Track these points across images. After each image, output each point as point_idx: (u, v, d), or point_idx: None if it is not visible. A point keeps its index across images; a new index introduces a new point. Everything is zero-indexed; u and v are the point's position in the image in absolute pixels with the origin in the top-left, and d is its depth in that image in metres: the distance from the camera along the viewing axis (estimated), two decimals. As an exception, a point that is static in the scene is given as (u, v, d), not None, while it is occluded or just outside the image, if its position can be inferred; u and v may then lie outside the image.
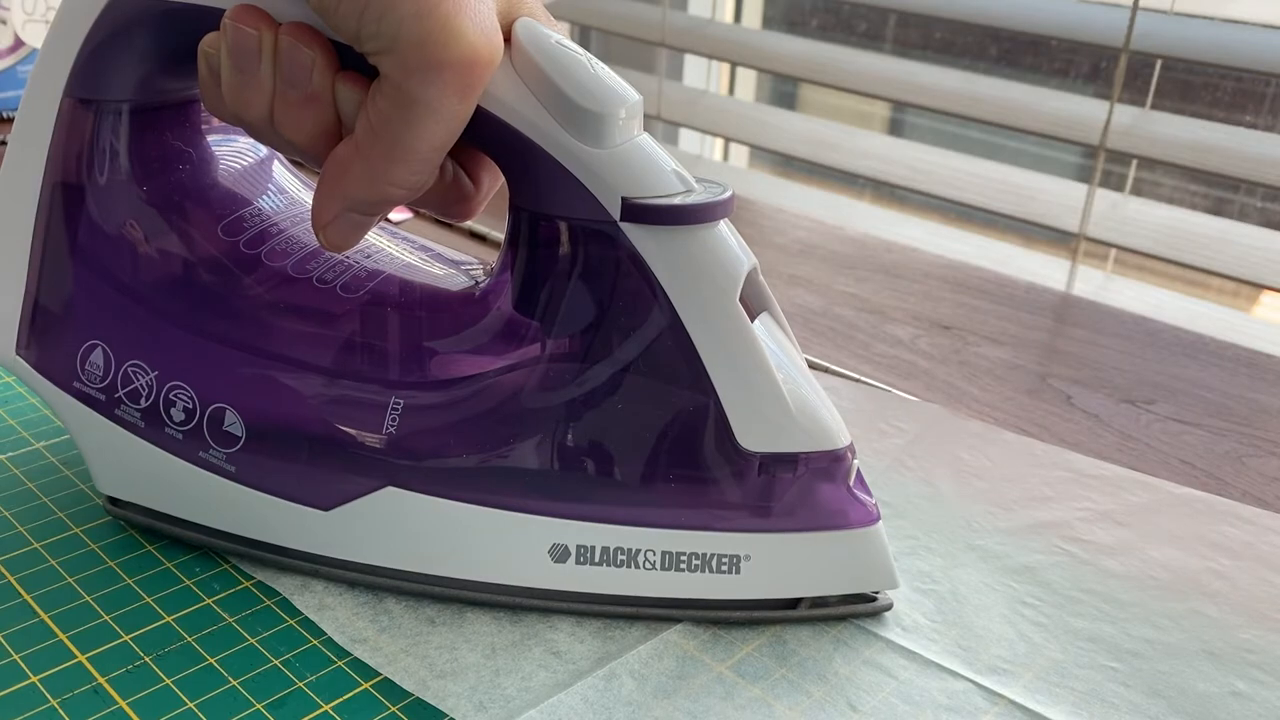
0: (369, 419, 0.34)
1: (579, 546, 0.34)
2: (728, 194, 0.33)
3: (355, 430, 0.34)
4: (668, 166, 0.32)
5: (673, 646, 0.34)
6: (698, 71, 1.01)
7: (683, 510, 0.34)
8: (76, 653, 0.33)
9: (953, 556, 0.39)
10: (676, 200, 0.32)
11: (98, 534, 0.38)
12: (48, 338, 0.37)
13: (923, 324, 0.58)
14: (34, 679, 0.32)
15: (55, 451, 0.42)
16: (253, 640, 0.34)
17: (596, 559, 0.34)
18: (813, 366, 0.52)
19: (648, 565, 0.34)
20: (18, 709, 0.31)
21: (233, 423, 0.35)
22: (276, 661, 0.33)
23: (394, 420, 0.34)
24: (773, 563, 0.34)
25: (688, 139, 1.02)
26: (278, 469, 0.35)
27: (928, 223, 0.83)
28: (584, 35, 1.04)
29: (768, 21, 1.01)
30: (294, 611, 0.35)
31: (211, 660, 0.33)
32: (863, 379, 0.51)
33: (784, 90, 1.06)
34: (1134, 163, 0.77)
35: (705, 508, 0.33)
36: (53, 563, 0.36)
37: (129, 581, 0.36)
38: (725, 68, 1.03)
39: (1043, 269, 0.73)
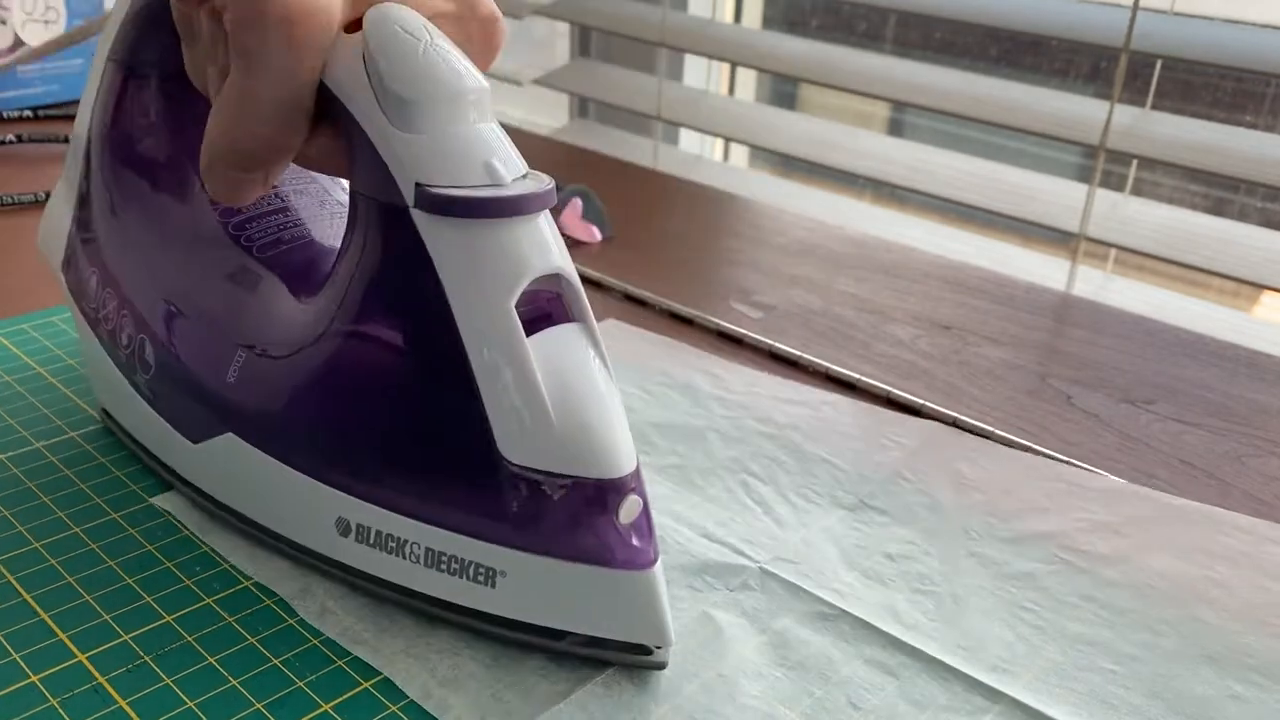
0: (219, 368, 0.37)
1: (358, 525, 0.34)
2: (528, 191, 0.32)
3: (210, 376, 0.37)
4: (481, 157, 0.32)
5: (676, 636, 0.34)
6: (698, 71, 1.01)
7: (445, 509, 0.33)
8: (76, 652, 0.33)
9: (952, 562, 0.39)
10: (469, 192, 0.31)
11: (97, 533, 0.38)
12: (74, 260, 0.43)
13: (923, 324, 0.58)
14: (34, 678, 0.32)
15: (55, 451, 0.42)
16: (253, 640, 0.34)
17: (371, 540, 0.34)
18: (812, 369, 0.52)
19: (413, 558, 0.34)
20: (18, 708, 0.31)
21: (149, 352, 0.39)
22: (276, 661, 0.33)
23: (234, 372, 0.36)
24: (529, 585, 0.33)
25: (688, 139, 1.02)
26: (171, 398, 0.39)
27: (928, 223, 0.83)
28: (584, 35, 1.04)
29: (768, 22, 1.01)
30: (293, 612, 0.35)
31: (211, 660, 0.33)
32: (865, 379, 0.51)
33: (784, 90, 1.06)
34: (1134, 163, 0.76)
35: (466, 512, 0.33)
36: (52, 562, 0.36)
37: (129, 581, 0.36)
38: (725, 68, 1.03)
39: (1043, 269, 0.73)
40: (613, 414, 0.33)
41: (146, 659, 0.33)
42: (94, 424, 0.44)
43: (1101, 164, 0.68)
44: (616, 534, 0.32)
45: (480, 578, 0.33)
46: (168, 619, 0.34)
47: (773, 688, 0.33)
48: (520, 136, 0.89)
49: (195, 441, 0.38)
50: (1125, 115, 0.68)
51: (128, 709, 0.31)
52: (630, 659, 0.33)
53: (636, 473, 0.33)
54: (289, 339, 0.36)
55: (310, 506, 0.35)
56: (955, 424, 0.48)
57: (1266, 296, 0.82)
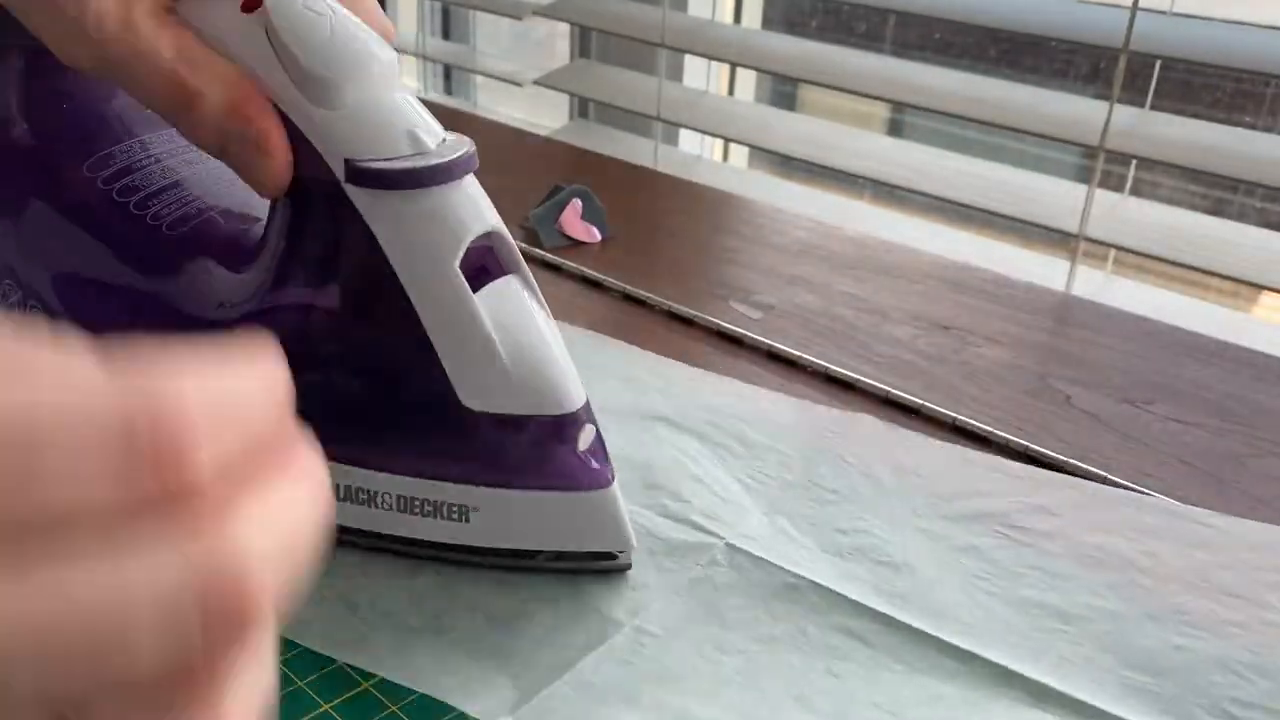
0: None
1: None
2: (454, 156, 0.33)
3: None
4: (403, 127, 0.33)
5: (655, 615, 0.35)
6: (698, 72, 1.01)
7: (415, 460, 0.35)
8: None
9: (902, 536, 0.40)
10: (398, 164, 0.32)
11: None
12: None
13: (922, 324, 0.58)
14: None
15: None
16: None
17: (341, 496, 0.36)
18: (811, 369, 0.52)
19: (385, 506, 0.36)
20: None
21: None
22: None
23: None
24: (501, 516, 0.35)
25: (688, 139, 1.02)
26: None
27: (928, 223, 0.83)
28: (584, 36, 1.04)
29: (767, 22, 1.01)
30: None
31: None
32: (864, 379, 0.51)
33: (784, 90, 1.06)
34: (1133, 163, 0.77)
35: (436, 459, 0.35)
36: None
37: None
38: (725, 68, 1.03)
39: (1042, 269, 0.73)
40: (559, 355, 0.35)
41: None
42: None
43: (1101, 164, 0.68)
44: (578, 460, 0.35)
45: (455, 515, 0.35)
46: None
47: (753, 661, 0.34)
48: (520, 136, 0.89)
49: None
50: (1124, 116, 0.68)
51: None
52: (599, 565, 0.37)
53: (587, 405, 0.36)
54: (232, 307, 0.36)
55: None
56: (954, 425, 0.48)
57: (1266, 296, 0.82)
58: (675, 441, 0.45)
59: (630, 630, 0.35)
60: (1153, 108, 0.72)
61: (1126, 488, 0.44)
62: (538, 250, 0.63)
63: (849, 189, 0.94)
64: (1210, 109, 0.81)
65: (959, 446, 0.46)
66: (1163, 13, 0.68)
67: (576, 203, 0.67)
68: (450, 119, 1.02)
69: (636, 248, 0.66)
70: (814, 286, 0.62)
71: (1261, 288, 0.64)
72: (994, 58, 0.91)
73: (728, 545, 0.39)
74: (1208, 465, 0.46)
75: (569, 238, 0.66)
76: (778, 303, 0.59)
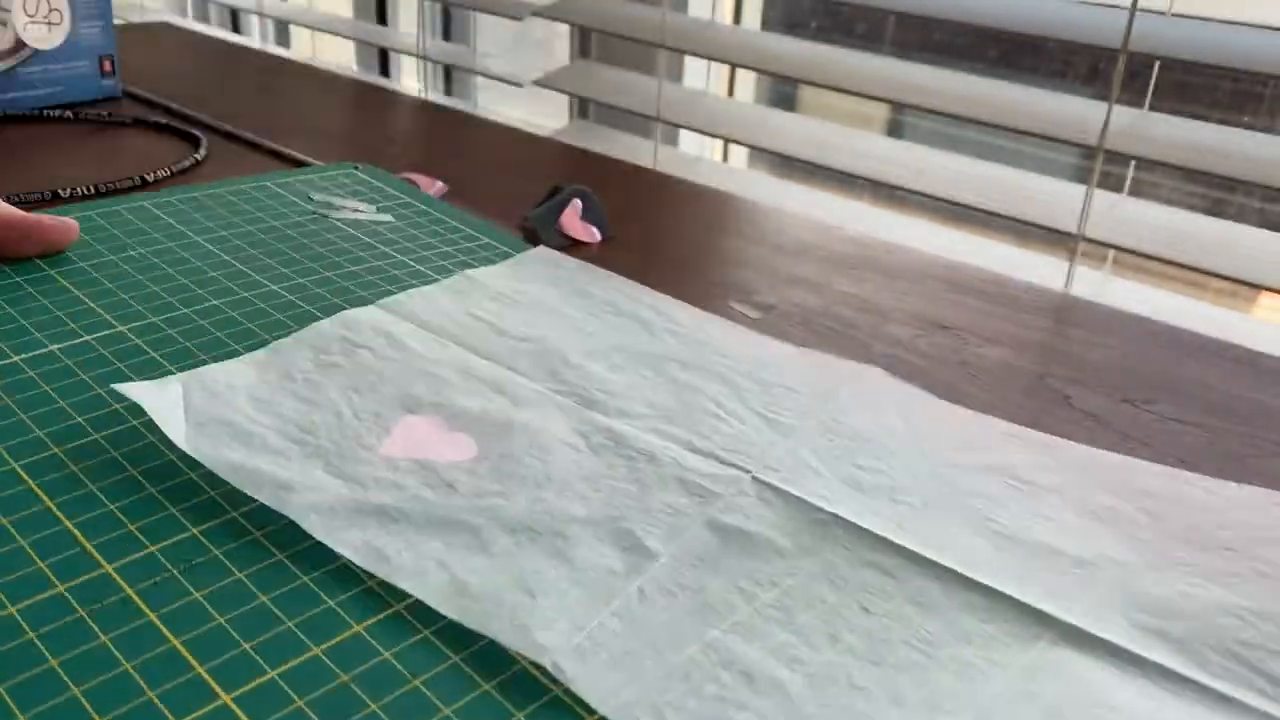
0: None
1: None
2: None
3: None
4: None
5: (689, 546, 0.36)
6: (698, 72, 1.01)
7: None
8: (103, 562, 0.33)
9: (916, 478, 0.41)
10: None
11: (117, 440, 0.38)
12: None
13: (922, 324, 0.58)
14: (61, 588, 0.32)
15: (70, 354, 0.42)
16: (281, 556, 0.34)
17: None
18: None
19: None
20: (47, 618, 0.31)
21: None
22: (306, 579, 0.33)
23: None
24: None
25: (688, 139, 1.02)
26: None
27: (927, 223, 0.83)
28: (584, 36, 1.04)
29: (767, 23, 1.01)
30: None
31: (240, 575, 0.33)
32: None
33: (784, 91, 1.06)
34: (1132, 163, 0.77)
35: None
36: (73, 469, 0.37)
37: (152, 491, 0.36)
38: (725, 69, 1.03)
39: (1041, 269, 0.73)
40: None
41: (174, 572, 0.33)
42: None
43: (1100, 164, 0.68)
44: None
45: None
46: (194, 532, 0.34)
47: (788, 595, 0.35)
48: (520, 136, 0.89)
49: None
50: (1123, 116, 0.69)
51: (157, 622, 0.31)
52: None
53: None
54: None
55: None
56: (955, 423, 0.48)
57: (1266, 297, 0.82)
58: (690, 380, 0.46)
59: (668, 560, 0.35)
60: (1152, 108, 0.72)
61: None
62: (538, 250, 0.63)
63: (849, 189, 0.94)
64: (1210, 109, 0.81)
65: (960, 407, 0.47)
66: (1162, 13, 0.68)
67: (576, 203, 0.67)
68: (450, 119, 1.02)
69: (636, 248, 0.66)
70: (814, 286, 0.62)
71: (1261, 288, 0.64)
72: (993, 58, 0.91)
73: (754, 479, 0.40)
74: (1208, 465, 0.46)
75: (569, 238, 0.66)
76: (778, 303, 0.59)
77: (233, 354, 0.45)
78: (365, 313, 0.49)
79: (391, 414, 0.42)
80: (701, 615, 0.33)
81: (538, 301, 0.53)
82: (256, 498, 0.35)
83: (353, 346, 0.46)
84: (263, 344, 0.46)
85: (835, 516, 0.38)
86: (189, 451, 0.37)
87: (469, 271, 0.56)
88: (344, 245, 0.58)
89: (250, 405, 0.41)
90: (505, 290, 0.54)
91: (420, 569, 0.33)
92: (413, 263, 0.57)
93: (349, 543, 0.34)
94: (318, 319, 0.48)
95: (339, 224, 0.61)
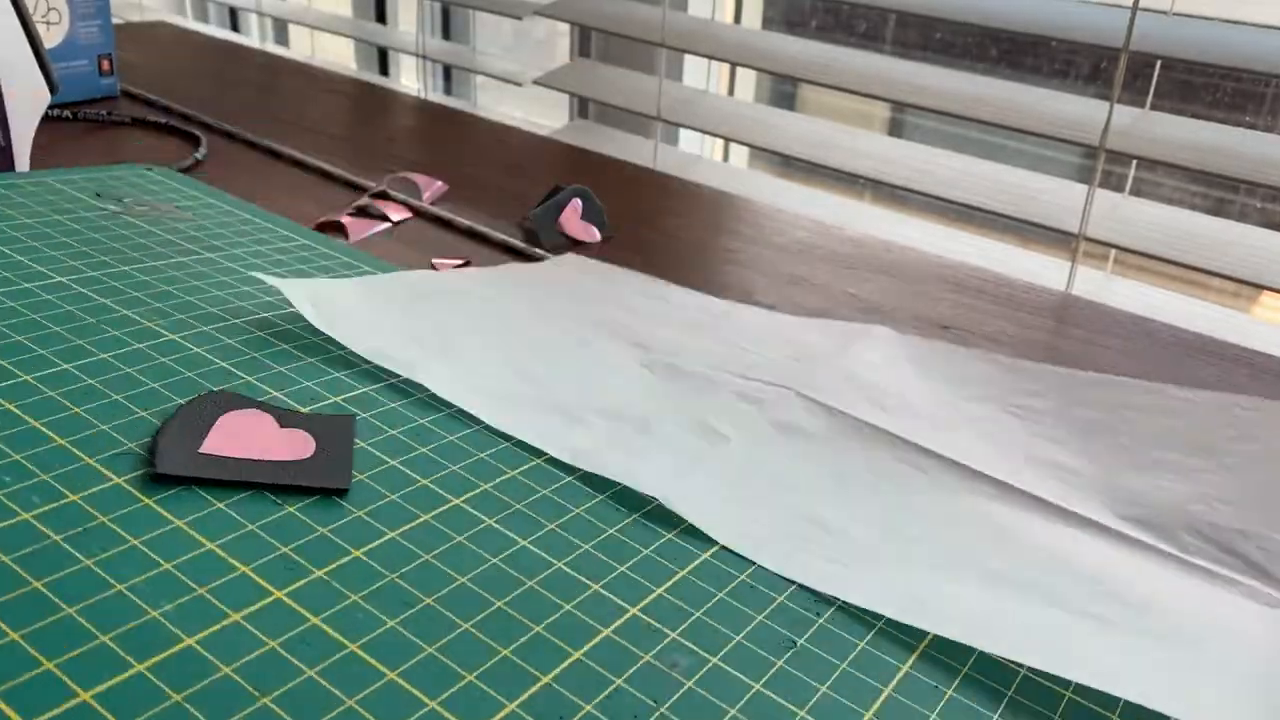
0: None
1: None
2: None
3: None
4: None
5: (753, 435, 0.43)
6: (698, 72, 1.01)
7: None
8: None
9: (929, 405, 0.48)
10: None
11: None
12: None
13: (923, 324, 0.58)
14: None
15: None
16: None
17: None
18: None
19: None
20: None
21: None
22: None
23: None
24: None
25: (688, 139, 1.02)
26: None
27: (928, 223, 0.83)
28: (584, 35, 1.04)
29: (768, 22, 1.01)
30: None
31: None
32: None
33: (784, 90, 1.06)
34: (1134, 163, 0.77)
35: None
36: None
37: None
38: (725, 68, 1.03)
39: (1042, 269, 0.73)
40: None
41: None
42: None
43: (1101, 164, 0.68)
44: None
45: None
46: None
47: (843, 482, 0.41)
48: (520, 136, 0.89)
49: None
50: (1125, 116, 0.68)
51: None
52: None
53: None
54: None
55: None
56: (955, 424, 0.48)
57: (1266, 296, 0.82)
58: (718, 335, 0.52)
59: (739, 442, 0.42)
60: (1153, 108, 0.72)
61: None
62: (538, 250, 0.63)
63: (849, 189, 0.94)
64: (1210, 109, 0.81)
65: (961, 348, 0.53)
66: (1163, 13, 0.68)
67: (576, 203, 0.67)
68: (450, 119, 1.01)
69: (636, 248, 0.66)
70: (814, 286, 0.62)
71: (1261, 288, 0.64)
72: (994, 58, 0.91)
73: (798, 394, 0.46)
74: (1208, 465, 0.46)
75: (569, 237, 0.66)
76: (778, 303, 0.59)
77: (41, 360, 0.43)
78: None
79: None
80: (776, 482, 0.40)
81: (574, 291, 0.57)
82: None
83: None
84: (77, 350, 0.44)
85: (873, 427, 0.45)
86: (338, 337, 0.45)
87: (500, 266, 0.58)
88: (145, 243, 0.55)
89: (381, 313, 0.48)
90: (544, 280, 0.58)
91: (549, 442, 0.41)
92: (223, 260, 0.54)
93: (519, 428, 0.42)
94: (138, 324, 0.47)
95: (136, 222, 0.58)
